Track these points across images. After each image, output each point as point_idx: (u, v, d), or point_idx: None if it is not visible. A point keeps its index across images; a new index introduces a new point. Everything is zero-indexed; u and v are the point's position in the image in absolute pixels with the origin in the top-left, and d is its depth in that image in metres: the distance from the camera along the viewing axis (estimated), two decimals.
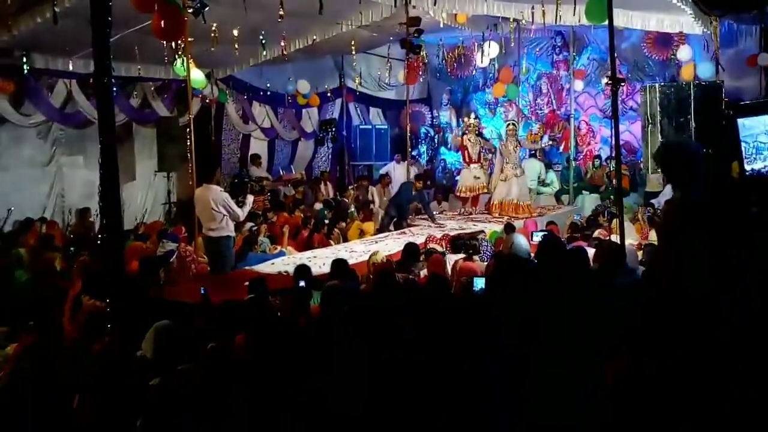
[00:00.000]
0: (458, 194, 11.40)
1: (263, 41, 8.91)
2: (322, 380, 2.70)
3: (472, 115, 11.79)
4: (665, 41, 11.31)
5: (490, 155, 11.64)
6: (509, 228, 7.60)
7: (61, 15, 6.32)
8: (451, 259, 6.45)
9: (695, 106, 7.68)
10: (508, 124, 10.85)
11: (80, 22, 6.74)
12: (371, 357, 2.83)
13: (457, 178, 12.25)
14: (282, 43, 9.30)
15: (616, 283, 3.84)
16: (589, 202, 11.77)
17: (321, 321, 3.37)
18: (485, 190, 11.14)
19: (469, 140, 10.98)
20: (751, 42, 11.01)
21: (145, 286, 5.49)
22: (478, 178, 10.89)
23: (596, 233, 7.87)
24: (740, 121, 7.44)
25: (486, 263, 6.14)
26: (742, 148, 7.36)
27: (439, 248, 6.88)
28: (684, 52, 10.63)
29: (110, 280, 2.58)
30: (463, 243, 6.50)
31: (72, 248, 7.64)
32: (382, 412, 2.54)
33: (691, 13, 8.18)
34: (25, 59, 8.23)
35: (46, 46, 8.19)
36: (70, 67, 8.71)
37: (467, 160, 11.02)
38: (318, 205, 11.02)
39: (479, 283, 4.32)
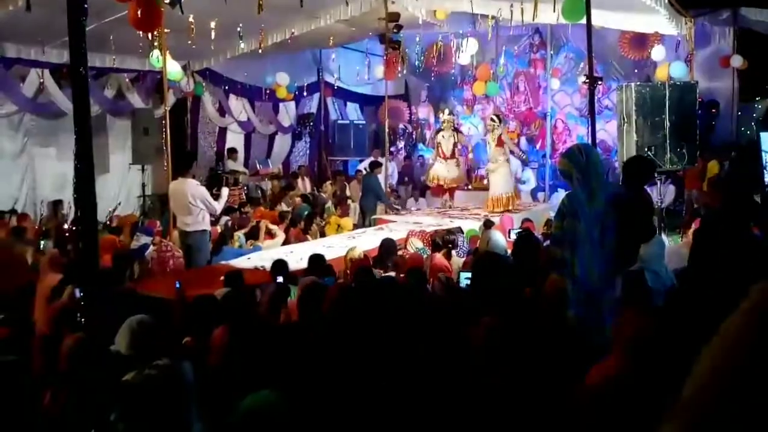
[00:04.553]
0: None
1: (241, 34, 8.82)
2: (314, 379, 2.67)
3: (446, 111, 11.81)
4: (641, 42, 11.46)
5: (465, 151, 11.77)
6: (488, 224, 7.63)
7: (35, 3, 6.18)
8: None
9: (670, 105, 7.75)
10: (490, 119, 10.90)
11: (54, 11, 6.61)
12: (363, 355, 2.80)
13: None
14: (260, 36, 9.22)
15: None
16: None
17: (303, 318, 3.31)
18: (455, 185, 11.21)
19: (443, 136, 11.01)
20: (724, 43, 11.22)
21: (119, 281, 5.40)
22: (449, 172, 10.96)
23: None
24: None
25: (463, 259, 6.18)
26: None
27: (419, 244, 6.88)
28: (658, 53, 10.77)
29: (84, 273, 2.53)
30: (441, 239, 6.52)
31: (43, 241, 7.49)
32: (378, 413, 2.50)
33: (665, 14, 8.29)
34: None
35: (19, 34, 8.01)
36: (43, 57, 8.54)
37: (441, 155, 11.05)
38: (298, 200, 10.95)
39: (464, 279, 4.35)
